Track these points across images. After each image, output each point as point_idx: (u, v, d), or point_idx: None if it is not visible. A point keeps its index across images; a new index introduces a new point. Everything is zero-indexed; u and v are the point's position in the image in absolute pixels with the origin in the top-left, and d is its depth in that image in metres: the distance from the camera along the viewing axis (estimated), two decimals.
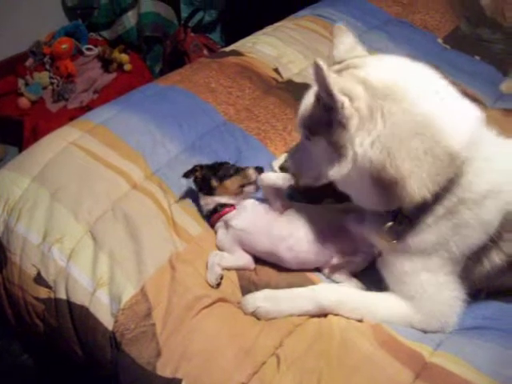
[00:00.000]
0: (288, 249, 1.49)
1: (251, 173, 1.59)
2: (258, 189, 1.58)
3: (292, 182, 1.49)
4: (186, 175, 1.63)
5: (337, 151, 1.28)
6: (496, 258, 1.35)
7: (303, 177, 1.47)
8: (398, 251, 1.37)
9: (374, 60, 1.38)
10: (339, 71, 1.33)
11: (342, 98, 1.21)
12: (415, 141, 1.21)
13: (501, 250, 1.34)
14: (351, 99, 1.23)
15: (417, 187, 1.22)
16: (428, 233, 1.31)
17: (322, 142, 1.31)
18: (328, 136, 1.29)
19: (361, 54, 1.45)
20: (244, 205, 1.57)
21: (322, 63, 1.18)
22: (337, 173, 1.30)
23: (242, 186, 1.58)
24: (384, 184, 1.25)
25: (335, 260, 1.51)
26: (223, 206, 1.58)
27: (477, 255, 1.34)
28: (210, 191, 1.59)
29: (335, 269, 1.52)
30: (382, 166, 1.23)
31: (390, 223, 1.33)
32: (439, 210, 1.28)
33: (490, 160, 1.31)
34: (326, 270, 1.53)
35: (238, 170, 1.60)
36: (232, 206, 1.58)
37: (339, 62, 1.40)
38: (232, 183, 1.58)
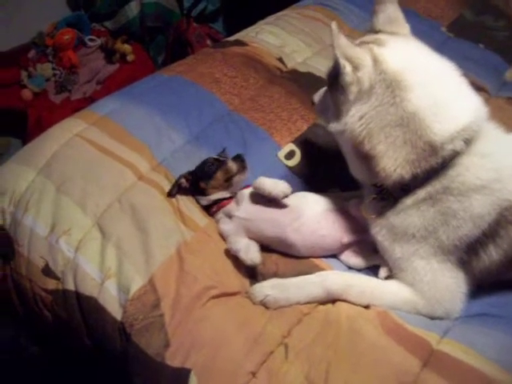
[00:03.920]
0: (295, 231, 1.50)
1: (231, 165, 1.58)
2: (246, 177, 1.58)
3: (289, 193, 1.48)
4: (171, 193, 1.62)
5: (336, 111, 1.39)
6: (494, 254, 1.37)
7: (322, 119, 1.56)
8: (385, 231, 1.41)
9: (400, 43, 1.41)
10: (363, 43, 1.39)
11: (343, 62, 1.31)
12: (396, 130, 1.31)
13: (498, 245, 1.36)
14: (356, 68, 1.31)
15: (392, 166, 1.32)
16: (409, 215, 1.36)
17: (330, 97, 1.44)
18: (333, 95, 1.40)
19: (398, 29, 1.46)
20: (242, 194, 1.58)
21: (334, 27, 1.30)
22: (332, 128, 1.43)
23: (229, 178, 1.58)
24: (362, 156, 1.37)
25: (346, 239, 1.52)
26: (221, 199, 1.59)
27: (473, 249, 1.36)
28: (203, 193, 1.60)
29: (350, 250, 1.53)
30: (361, 141, 1.35)
31: (372, 196, 1.42)
32: (420, 193, 1.34)
33: (486, 156, 1.34)
34: (343, 256, 1.54)
35: (219, 166, 1.59)
36: (230, 198, 1.59)
37: (376, 32, 1.45)
38: (217, 181, 1.58)
